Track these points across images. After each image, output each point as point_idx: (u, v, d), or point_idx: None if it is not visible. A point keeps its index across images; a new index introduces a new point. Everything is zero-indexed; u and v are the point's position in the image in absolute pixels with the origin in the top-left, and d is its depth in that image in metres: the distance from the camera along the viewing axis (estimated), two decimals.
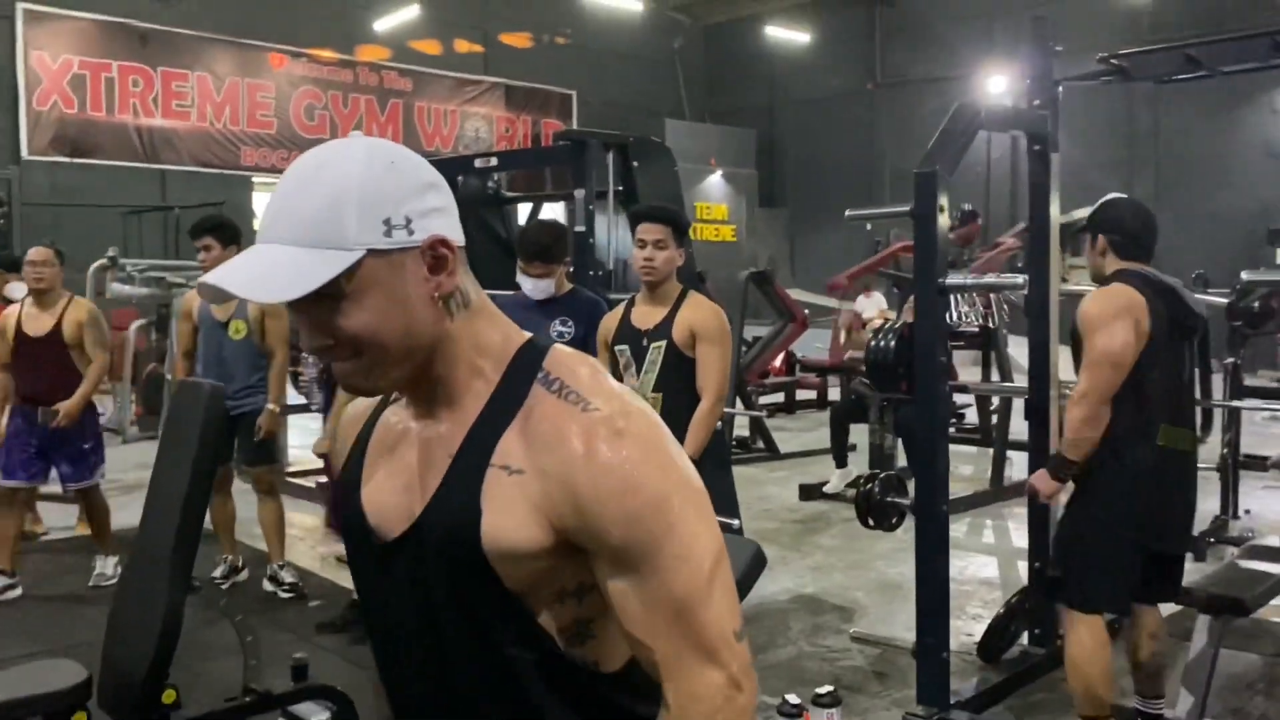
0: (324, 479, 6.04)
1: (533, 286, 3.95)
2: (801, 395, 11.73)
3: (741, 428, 9.24)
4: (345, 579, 4.80)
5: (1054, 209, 3.93)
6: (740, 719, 1.10)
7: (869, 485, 3.76)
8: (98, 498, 5.25)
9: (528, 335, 1.20)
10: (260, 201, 17.66)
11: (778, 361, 11.53)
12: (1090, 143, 17.17)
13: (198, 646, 4.10)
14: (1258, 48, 3.80)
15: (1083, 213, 3.33)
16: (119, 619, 3.05)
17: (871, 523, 3.78)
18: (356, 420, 1.30)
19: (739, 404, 8.78)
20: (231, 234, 4.95)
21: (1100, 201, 3.20)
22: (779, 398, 11.46)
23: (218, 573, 5.16)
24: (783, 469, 8.30)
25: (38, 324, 5.01)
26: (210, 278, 1.08)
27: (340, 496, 1.27)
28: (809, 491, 7.16)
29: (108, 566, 5.20)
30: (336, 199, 1.06)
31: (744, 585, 2.49)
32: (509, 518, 1.09)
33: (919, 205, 3.41)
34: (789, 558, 5.78)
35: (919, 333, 3.51)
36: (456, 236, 1.13)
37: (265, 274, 1.06)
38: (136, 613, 2.96)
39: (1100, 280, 3.19)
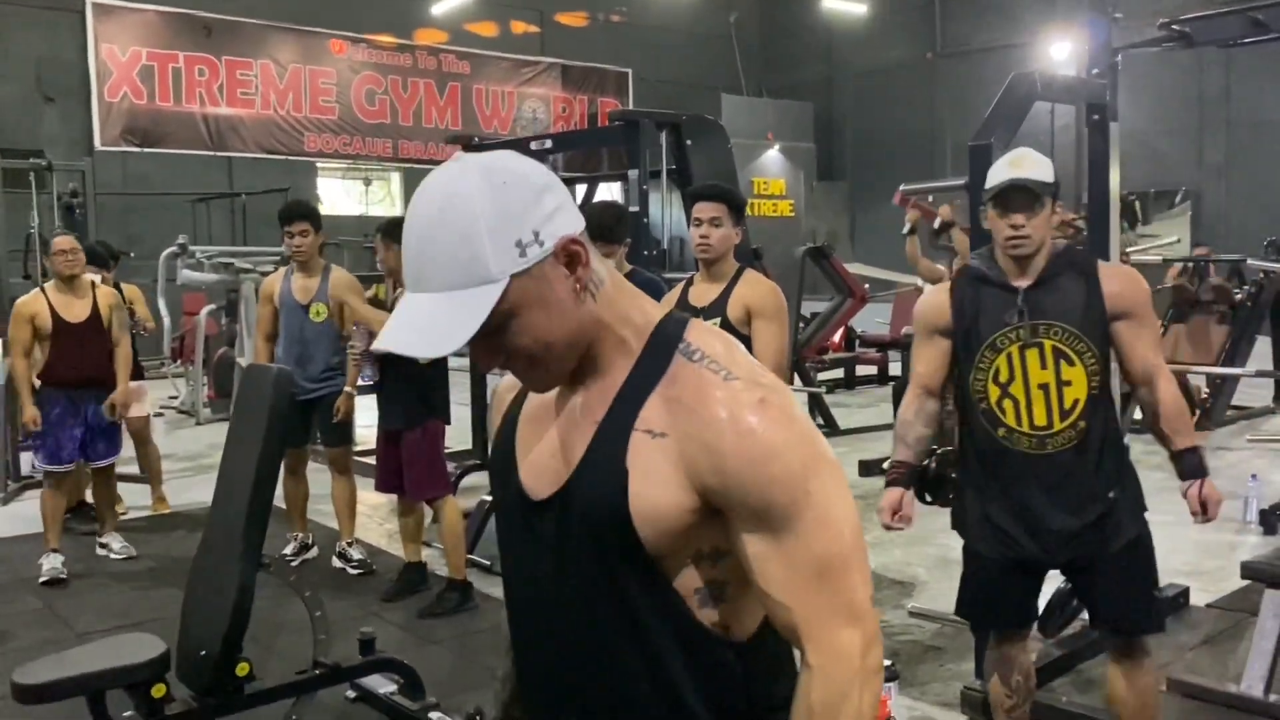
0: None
1: None
2: (862, 371, 11.66)
3: (800, 404, 9.20)
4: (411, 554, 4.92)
5: (1113, 179, 3.87)
6: (874, 677, 1.17)
7: (926, 460, 3.74)
8: (114, 475, 5.58)
9: (666, 309, 1.26)
10: (324, 187, 17.96)
11: (837, 337, 11.47)
12: (1158, 109, 16.73)
13: (270, 622, 4.25)
14: None
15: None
16: (194, 595, 3.18)
17: (929, 498, 3.76)
18: (508, 391, 1.39)
19: (796, 380, 8.76)
20: (320, 219, 5.13)
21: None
22: (839, 373, 11.40)
23: (288, 550, 5.30)
24: (842, 445, 8.26)
25: (74, 310, 5.19)
26: (383, 343, 1.14)
27: (496, 465, 1.35)
28: (869, 467, 7.10)
29: (114, 541, 5.50)
30: (467, 237, 1.11)
31: None
32: (653, 480, 1.16)
33: (974, 178, 3.39)
34: None
35: None
36: (578, 225, 1.18)
37: (428, 326, 1.13)
38: (210, 589, 3.08)
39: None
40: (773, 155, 20.79)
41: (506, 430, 1.34)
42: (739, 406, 1.14)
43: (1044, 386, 2.60)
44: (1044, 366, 2.60)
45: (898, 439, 2.92)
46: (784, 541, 1.14)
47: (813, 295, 10.13)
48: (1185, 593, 4.42)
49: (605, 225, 3.92)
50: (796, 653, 1.20)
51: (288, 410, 3.06)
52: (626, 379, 1.20)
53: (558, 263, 1.15)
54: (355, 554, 5.22)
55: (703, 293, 3.64)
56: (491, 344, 1.16)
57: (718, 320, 3.56)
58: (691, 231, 3.60)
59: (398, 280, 4.72)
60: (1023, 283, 2.64)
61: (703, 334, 1.22)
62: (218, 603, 3.02)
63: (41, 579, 5.08)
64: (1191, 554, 5.13)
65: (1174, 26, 3.64)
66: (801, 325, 9.35)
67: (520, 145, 6.15)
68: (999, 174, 2.60)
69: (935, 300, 2.80)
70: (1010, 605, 2.82)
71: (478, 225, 1.11)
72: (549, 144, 5.64)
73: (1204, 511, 2.62)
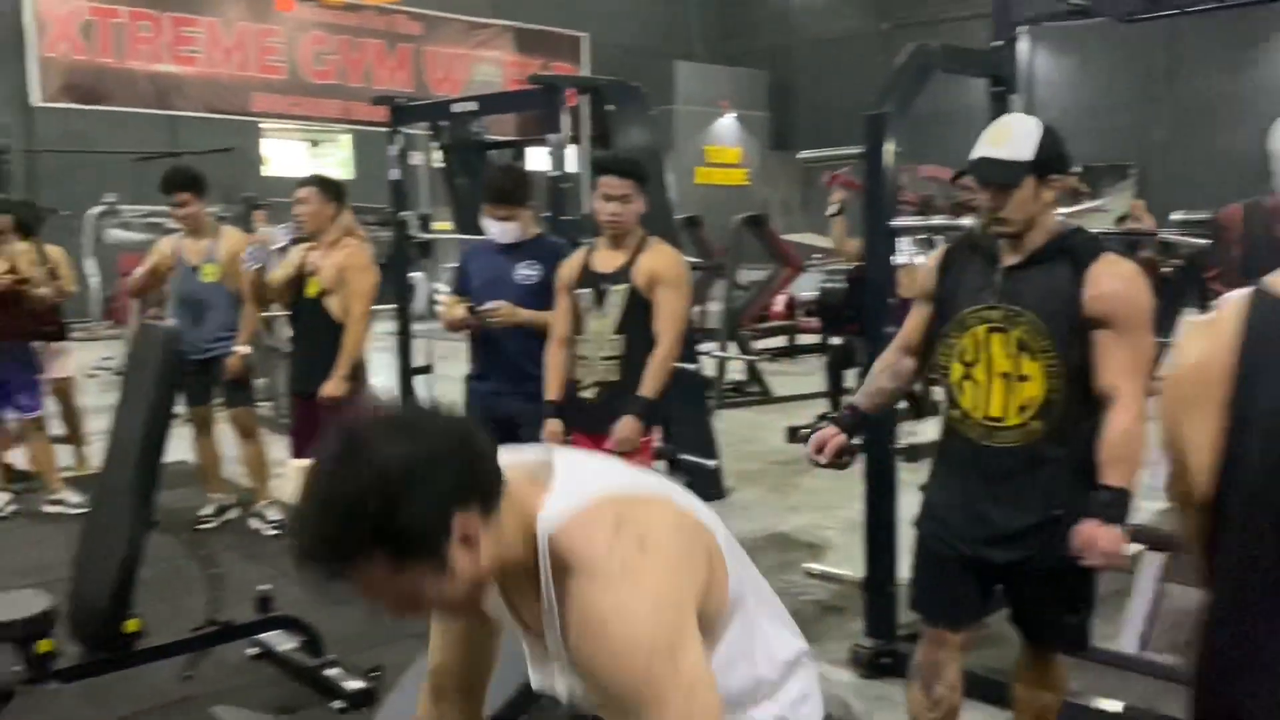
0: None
1: (498, 230, 3.97)
2: (805, 339, 11.74)
3: (737, 371, 9.30)
4: None
5: None
6: None
7: (819, 424, 3.82)
8: (46, 430, 5.76)
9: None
10: (269, 147, 17.71)
11: (780, 305, 11.54)
12: (1108, 85, 16.93)
13: (178, 582, 4.28)
14: None
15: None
16: (84, 553, 3.19)
17: (823, 462, 3.83)
18: None
19: (733, 348, 8.83)
20: (203, 185, 5.10)
21: (1035, 124, 2.41)
22: (781, 342, 11.49)
23: (208, 511, 5.30)
24: (775, 412, 8.36)
25: None
26: None
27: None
28: (794, 433, 7.22)
29: (70, 495, 5.56)
30: None
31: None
32: None
33: (869, 147, 3.44)
34: (767, 499, 5.87)
35: (869, 274, 3.55)
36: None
37: None
38: (100, 546, 3.10)
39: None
40: (726, 123, 20.80)
41: None
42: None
43: (1006, 376, 2.40)
44: (1007, 355, 2.39)
45: (863, 387, 2.81)
46: None
47: (752, 264, 10.17)
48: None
49: (505, 188, 3.92)
50: None
51: (175, 368, 3.06)
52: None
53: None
54: (271, 515, 5.21)
55: (607, 259, 3.66)
56: None
57: (625, 287, 3.60)
58: (597, 204, 3.61)
59: (316, 236, 4.59)
60: (1009, 260, 2.41)
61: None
62: (107, 560, 3.03)
63: None
64: None
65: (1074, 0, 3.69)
66: (738, 294, 9.39)
67: (442, 107, 6.12)
68: (977, 147, 2.41)
69: (929, 262, 2.67)
70: (939, 600, 2.61)
71: None
72: (472, 106, 5.61)
73: (1087, 552, 2.28)
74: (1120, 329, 2.30)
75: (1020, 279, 2.39)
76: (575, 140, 5.09)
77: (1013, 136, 2.37)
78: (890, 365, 2.73)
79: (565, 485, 1.36)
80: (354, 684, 3.33)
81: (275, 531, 5.14)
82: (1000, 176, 2.34)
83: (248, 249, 4.62)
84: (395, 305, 6.38)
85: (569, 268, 3.73)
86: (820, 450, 2.69)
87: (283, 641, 3.61)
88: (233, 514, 5.38)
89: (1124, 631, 3.58)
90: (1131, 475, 2.30)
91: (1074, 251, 2.37)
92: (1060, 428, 2.36)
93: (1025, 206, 2.34)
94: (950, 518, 2.52)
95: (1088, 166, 18.13)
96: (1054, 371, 2.34)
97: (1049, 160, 2.35)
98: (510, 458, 1.40)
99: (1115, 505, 2.27)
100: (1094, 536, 2.26)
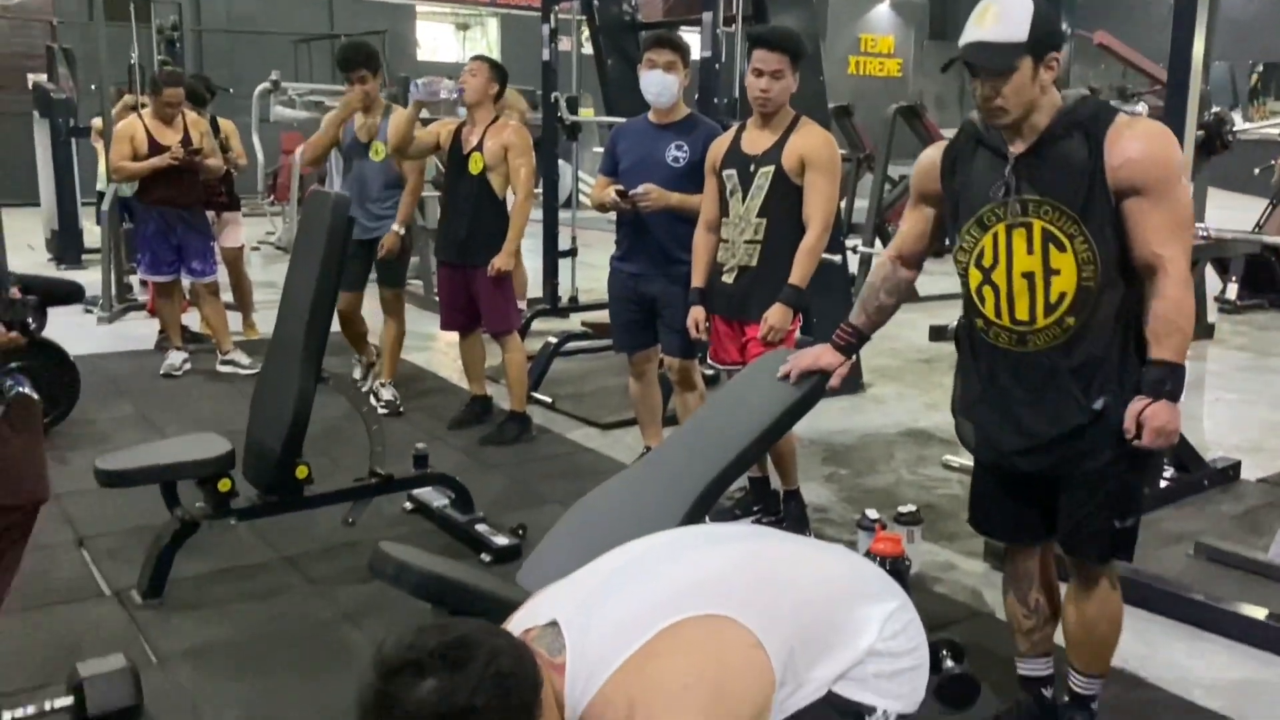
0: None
1: (658, 81, 3.88)
2: None
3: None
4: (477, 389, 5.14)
5: (1198, 44, 3.68)
6: None
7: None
8: (219, 294, 6.03)
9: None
10: (423, 30, 17.93)
11: None
12: None
13: (341, 439, 4.55)
14: None
15: None
16: (259, 402, 3.44)
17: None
18: None
19: (877, 244, 8.66)
20: (377, 62, 5.20)
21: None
22: None
23: (356, 374, 5.55)
24: (916, 310, 8.13)
25: (167, 137, 5.69)
26: None
27: None
28: (938, 333, 7.08)
29: (241, 357, 5.95)
30: None
31: (809, 399, 2.61)
32: None
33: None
34: (906, 394, 5.84)
35: None
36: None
37: None
38: (273, 397, 3.33)
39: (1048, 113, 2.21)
40: (882, 10, 19.99)
41: None
42: None
43: (1028, 276, 2.21)
44: (1030, 251, 2.20)
45: (859, 303, 2.68)
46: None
47: (901, 159, 9.87)
48: (1236, 466, 4.40)
49: (669, 34, 4.00)
50: None
51: (344, 232, 3.21)
52: None
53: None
54: (386, 394, 5.24)
55: (756, 140, 3.61)
56: None
57: (771, 169, 3.55)
58: (749, 80, 3.52)
59: (472, 111, 4.72)
60: (1017, 148, 2.22)
61: None
62: (279, 409, 3.26)
63: (161, 372, 5.82)
64: (1255, 432, 5.08)
65: None
66: (889, 188, 9.15)
67: None
68: (964, 32, 2.20)
69: (928, 161, 2.44)
70: (1004, 514, 2.50)
71: None
72: None
73: (1138, 433, 2.13)
74: (1153, 193, 2.12)
75: (1033, 165, 2.20)
76: (729, 21, 5.01)
77: (1003, 15, 2.15)
78: (887, 278, 2.62)
79: (576, 666, 1.48)
80: (501, 540, 3.52)
81: (385, 411, 5.11)
82: (994, 61, 2.13)
83: (418, 81, 4.59)
84: (541, 189, 6.50)
85: (717, 148, 3.69)
86: (813, 369, 2.61)
87: (436, 497, 3.84)
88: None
89: (1276, 542, 3.48)
90: (1183, 348, 2.15)
91: (1084, 123, 2.18)
92: (1096, 317, 2.20)
93: (1024, 91, 2.15)
94: (991, 430, 2.37)
95: (1270, 64, 16.75)
96: (1086, 258, 2.17)
97: (1045, 38, 2.14)
98: (523, 621, 1.57)
99: (1168, 380, 2.13)
100: (1147, 414, 2.12)
